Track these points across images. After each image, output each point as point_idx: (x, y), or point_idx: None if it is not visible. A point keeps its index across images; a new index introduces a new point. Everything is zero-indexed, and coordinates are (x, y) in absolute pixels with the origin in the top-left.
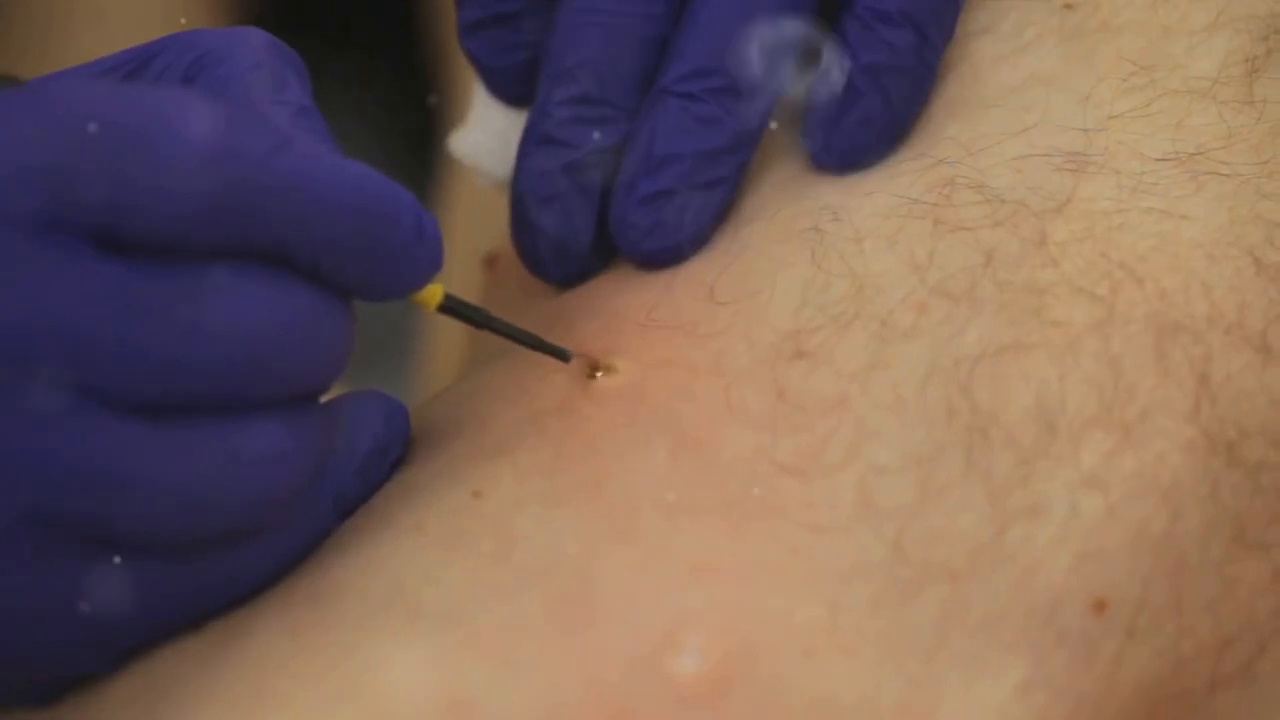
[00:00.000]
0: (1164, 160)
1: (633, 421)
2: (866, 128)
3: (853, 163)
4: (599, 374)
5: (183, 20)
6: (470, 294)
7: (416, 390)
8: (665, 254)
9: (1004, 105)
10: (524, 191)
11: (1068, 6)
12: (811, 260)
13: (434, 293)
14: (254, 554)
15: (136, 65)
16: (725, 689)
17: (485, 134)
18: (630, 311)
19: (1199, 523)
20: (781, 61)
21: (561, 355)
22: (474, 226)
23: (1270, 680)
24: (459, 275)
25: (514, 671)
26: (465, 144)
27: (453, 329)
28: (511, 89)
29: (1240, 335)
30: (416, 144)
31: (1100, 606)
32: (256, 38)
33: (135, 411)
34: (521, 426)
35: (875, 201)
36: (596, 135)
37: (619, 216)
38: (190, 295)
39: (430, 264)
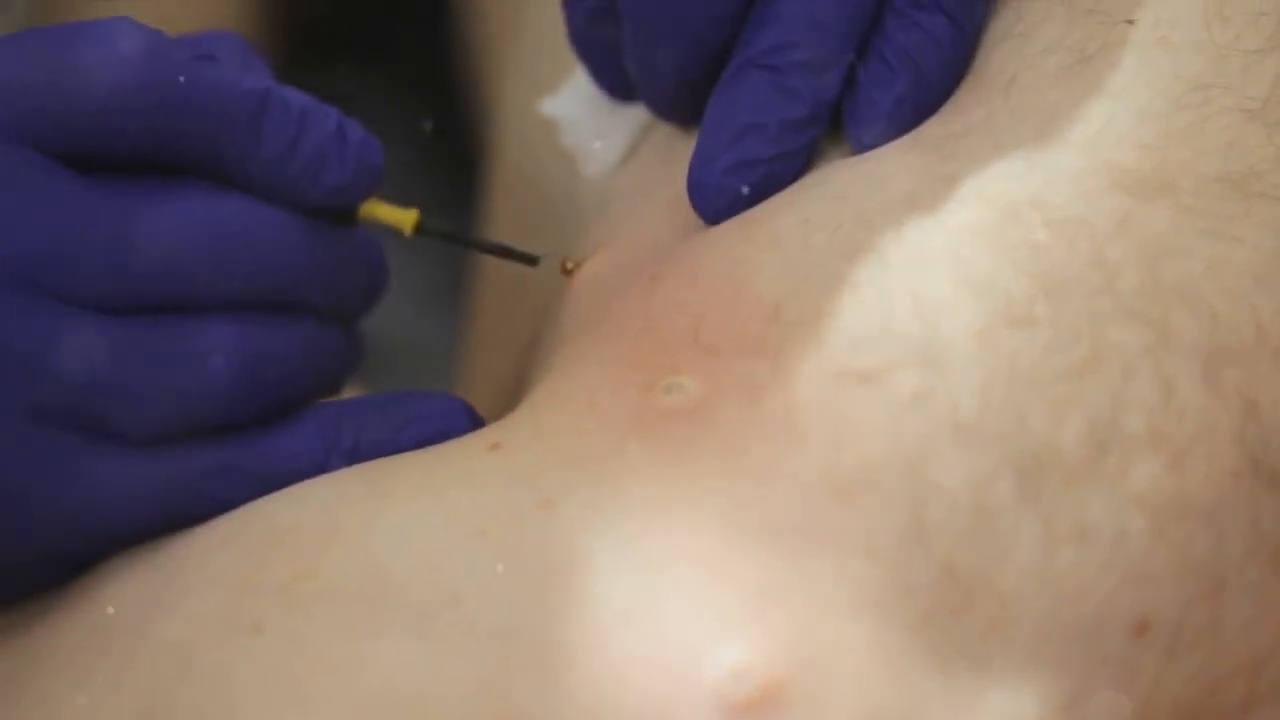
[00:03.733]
0: (1217, 180)
1: (698, 445)
2: (901, 105)
3: (886, 138)
4: (572, 268)
5: None
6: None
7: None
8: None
9: (1067, 116)
10: None
11: (1129, 22)
12: (875, 282)
13: (408, 218)
14: (225, 452)
15: None
16: (774, 708)
17: (576, 103)
18: (697, 330)
19: (1239, 547)
20: (858, 32)
21: (530, 260)
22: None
23: None
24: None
25: (565, 691)
26: (556, 108)
27: (490, 349)
28: (612, 86)
29: None
30: (457, 166)
31: (1142, 629)
32: (233, 38)
33: (100, 311)
34: (594, 439)
35: (939, 220)
36: None
37: (699, 183)
38: (134, 203)
39: (359, 167)
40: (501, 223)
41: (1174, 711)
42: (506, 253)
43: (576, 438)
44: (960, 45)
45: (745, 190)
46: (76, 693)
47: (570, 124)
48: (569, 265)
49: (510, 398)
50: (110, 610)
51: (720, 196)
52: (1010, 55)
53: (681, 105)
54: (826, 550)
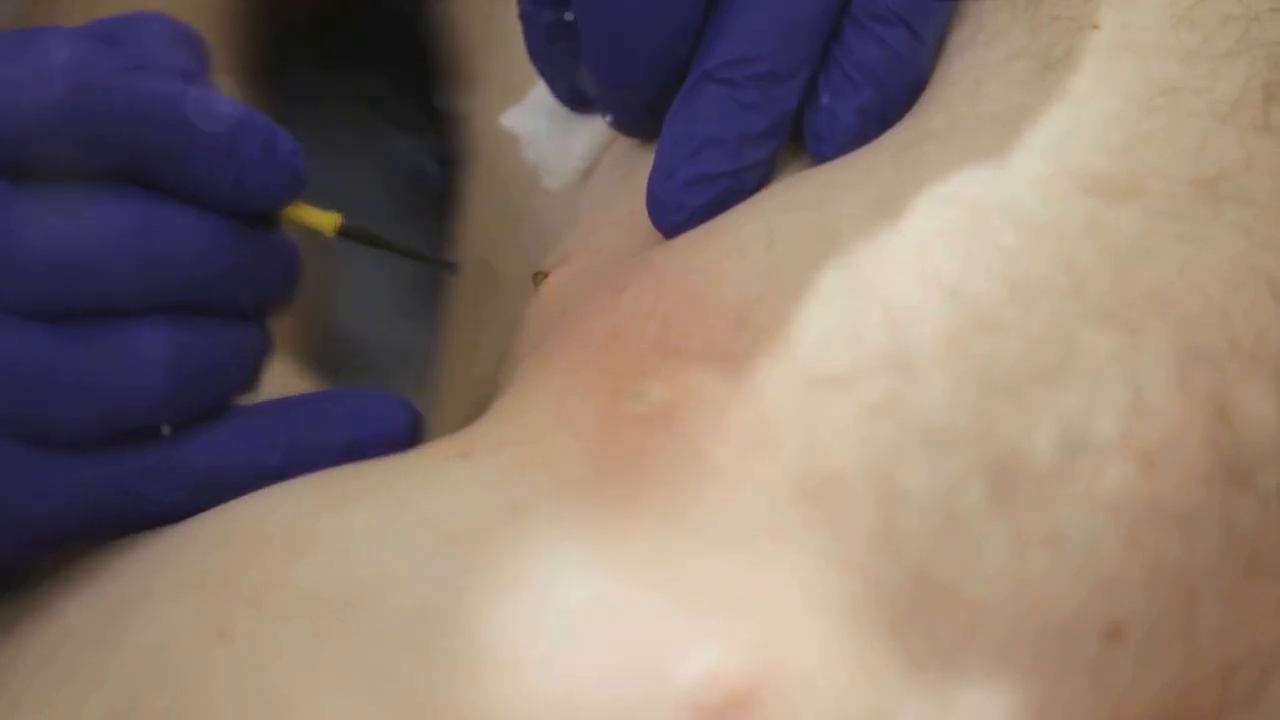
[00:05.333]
0: (1187, 183)
1: (667, 451)
2: (863, 116)
3: (848, 150)
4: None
5: None
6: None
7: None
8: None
9: (1033, 122)
10: None
11: (1094, 27)
12: (843, 288)
13: (330, 221)
14: (162, 453)
15: None
16: (744, 712)
17: (537, 117)
18: (664, 337)
19: (1212, 551)
20: (816, 44)
21: (449, 267)
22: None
23: (1277, 704)
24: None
25: (536, 697)
26: (516, 121)
27: (464, 353)
28: (573, 100)
29: (1257, 363)
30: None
31: (1115, 634)
32: (159, 20)
33: (31, 317)
34: (562, 446)
35: (906, 226)
36: None
37: (659, 199)
38: (62, 210)
39: (286, 176)
40: (475, 232)
41: (1147, 717)
42: (424, 259)
43: (545, 444)
44: (921, 56)
45: (704, 205)
46: (48, 703)
47: (531, 138)
48: (537, 276)
49: (484, 402)
50: (80, 619)
51: (678, 212)
52: (973, 62)
53: (641, 120)
54: (797, 555)
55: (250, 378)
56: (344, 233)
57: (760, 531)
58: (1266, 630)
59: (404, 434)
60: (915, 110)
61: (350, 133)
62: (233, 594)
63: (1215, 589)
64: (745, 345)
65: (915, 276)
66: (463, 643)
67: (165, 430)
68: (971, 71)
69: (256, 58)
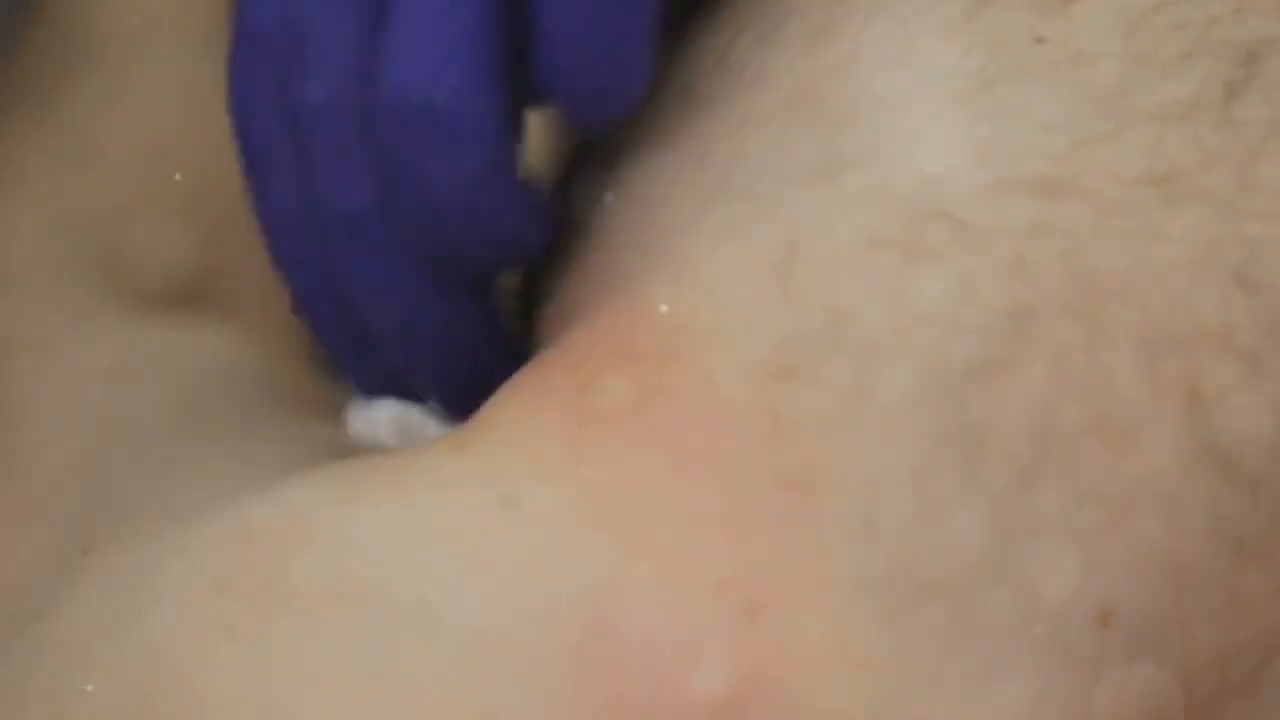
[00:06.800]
0: (1139, 182)
1: (638, 444)
2: None
3: None
4: None
5: None
6: None
7: None
8: None
9: (970, 135)
10: None
11: (1039, 40)
12: (784, 296)
13: None
14: None
15: None
16: (745, 706)
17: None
18: (619, 345)
19: (1200, 535)
20: None
21: None
22: None
23: (1275, 691)
24: None
25: (538, 691)
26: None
27: None
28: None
29: (1230, 351)
30: None
31: (1105, 620)
32: None
33: None
34: (545, 440)
35: (839, 234)
36: None
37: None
38: None
39: None
40: None
41: (1143, 703)
42: None
43: (530, 439)
44: None
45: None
46: (56, 701)
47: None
48: None
49: None
50: (88, 618)
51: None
52: (900, 81)
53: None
54: (780, 547)
55: None
56: None
57: (741, 523)
58: (1262, 617)
59: None
60: (839, 126)
61: None
62: (236, 590)
63: (1205, 575)
64: (693, 346)
65: (857, 280)
66: (461, 640)
67: None
68: (897, 90)
69: None
